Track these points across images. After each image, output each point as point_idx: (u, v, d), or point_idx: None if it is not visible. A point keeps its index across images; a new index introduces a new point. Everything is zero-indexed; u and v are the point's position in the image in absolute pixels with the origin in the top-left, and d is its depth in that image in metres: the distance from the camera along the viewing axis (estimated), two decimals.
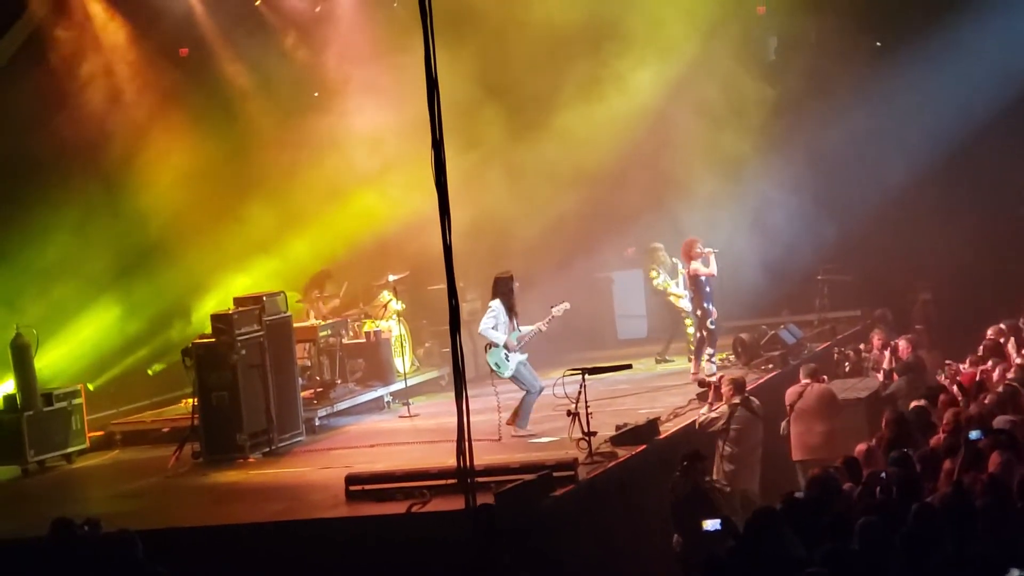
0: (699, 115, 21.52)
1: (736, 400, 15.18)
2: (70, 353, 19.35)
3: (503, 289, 16.12)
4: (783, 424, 16.12)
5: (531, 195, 20.51)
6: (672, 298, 20.18)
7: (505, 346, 15.81)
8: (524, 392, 15.97)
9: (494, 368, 15.92)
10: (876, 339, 19.66)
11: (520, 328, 16.07)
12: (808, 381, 16.29)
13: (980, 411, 13.68)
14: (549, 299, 16.80)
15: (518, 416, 15.91)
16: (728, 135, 21.49)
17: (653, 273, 20.43)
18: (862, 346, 20.23)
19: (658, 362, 20.86)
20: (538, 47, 20.61)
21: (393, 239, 20.60)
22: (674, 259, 20.06)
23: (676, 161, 21.72)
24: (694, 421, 15.54)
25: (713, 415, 15.18)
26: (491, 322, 15.90)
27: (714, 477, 14.71)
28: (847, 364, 19.88)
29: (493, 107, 20.63)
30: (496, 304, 16.03)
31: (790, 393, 16.26)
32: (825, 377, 16.91)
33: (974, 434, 11.97)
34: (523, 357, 15.98)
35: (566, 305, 16.36)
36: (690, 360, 19.34)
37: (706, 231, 19.48)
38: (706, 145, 21.48)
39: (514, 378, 15.98)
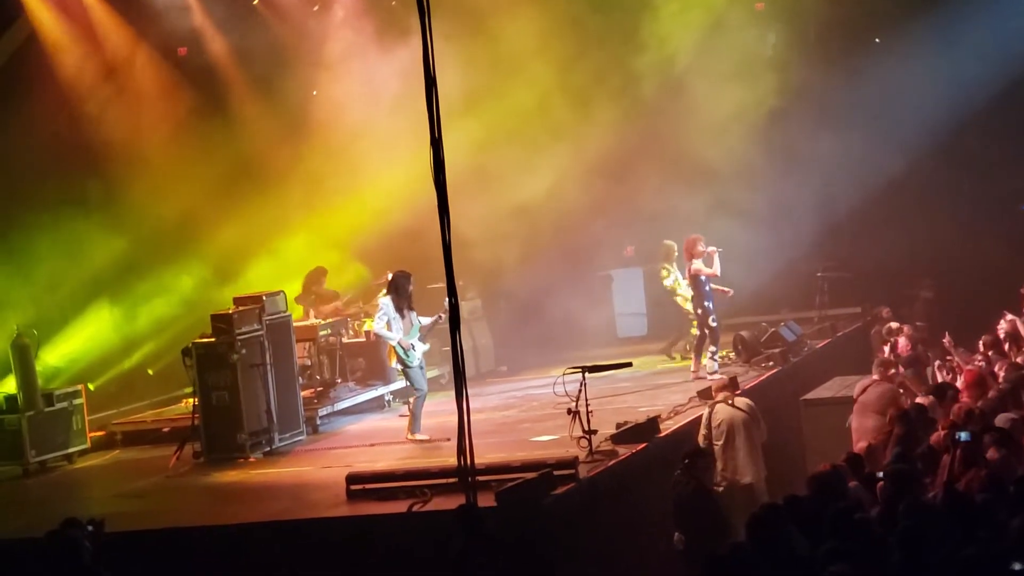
0: (696, 113, 21.48)
1: (720, 399, 15.19)
2: (71, 353, 19.35)
3: (395, 287, 16.35)
4: (849, 417, 16.06)
5: (535, 190, 20.56)
6: (680, 299, 20.10)
7: (399, 344, 16.08)
8: (415, 397, 16.23)
9: (402, 356, 16.26)
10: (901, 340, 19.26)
11: (420, 320, 16.36)
12: (877, 377, 16.15)
13: (983, 408, 13.67)
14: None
15: (412, 421, 16.14)
16: (727, 131, 21.44)
17: (664, 272, 20.32)
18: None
19: (671, 358, 20.82)
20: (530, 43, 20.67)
21: (394, 237, 20.58)
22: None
23: (675, 158, 21.70)
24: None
25: (704, 416, 15.21)
26: (382, 321, 16.28)
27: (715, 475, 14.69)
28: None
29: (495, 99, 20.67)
30: (385, 302, 16.35)
31: (858, 387, 16.16)
32: (894, 373, 16.70)
33: (963, 435, 11.99)
34: (426, 347, 16.40)
35: None
36: (689, 358, 19.34)
37: (705, 228, 19.45)
38: (703, 142, 21.42)
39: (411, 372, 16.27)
